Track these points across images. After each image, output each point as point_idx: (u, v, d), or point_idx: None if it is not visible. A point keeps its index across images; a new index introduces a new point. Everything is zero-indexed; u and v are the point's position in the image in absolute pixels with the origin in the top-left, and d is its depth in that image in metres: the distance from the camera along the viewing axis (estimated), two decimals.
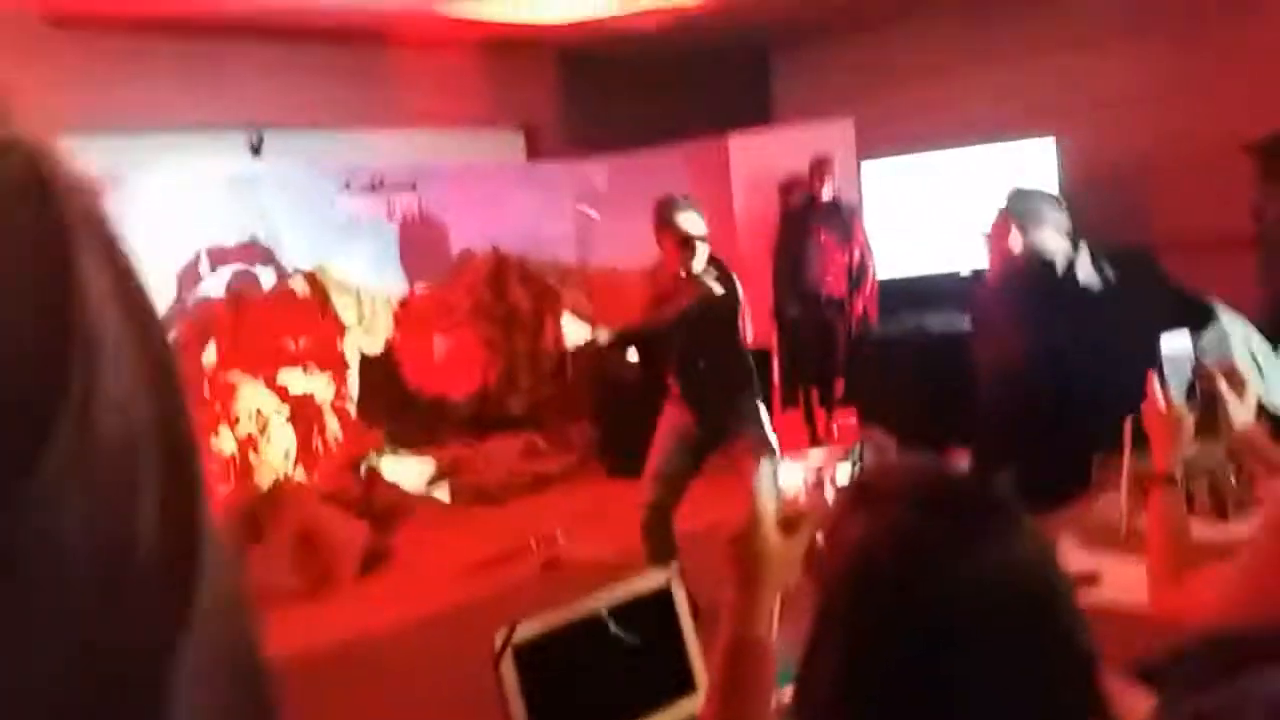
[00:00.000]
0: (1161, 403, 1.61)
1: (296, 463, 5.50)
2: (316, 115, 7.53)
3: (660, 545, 3.80)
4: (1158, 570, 1.55)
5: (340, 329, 6.25)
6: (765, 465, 1.09)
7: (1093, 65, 6.85)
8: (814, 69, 8.65)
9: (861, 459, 1.25)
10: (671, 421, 3.91)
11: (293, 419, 5.62)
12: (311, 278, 6.43)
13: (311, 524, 4.81)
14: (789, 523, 1.18)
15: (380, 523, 5.15)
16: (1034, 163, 6.44)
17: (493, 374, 6.63)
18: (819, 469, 1.23)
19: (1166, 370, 1.69)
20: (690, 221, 3.76)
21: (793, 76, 8.99)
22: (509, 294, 6.92)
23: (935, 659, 0.83)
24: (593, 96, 8.32)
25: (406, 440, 6.09)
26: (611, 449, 5.99)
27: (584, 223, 7.75)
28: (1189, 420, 1.61)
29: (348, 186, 7.17)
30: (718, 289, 3.79)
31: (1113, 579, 2.04)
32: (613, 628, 1.54)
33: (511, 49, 8.07)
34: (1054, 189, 6.33)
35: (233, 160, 7.02)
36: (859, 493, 0.98)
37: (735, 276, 3.92)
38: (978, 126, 6.79)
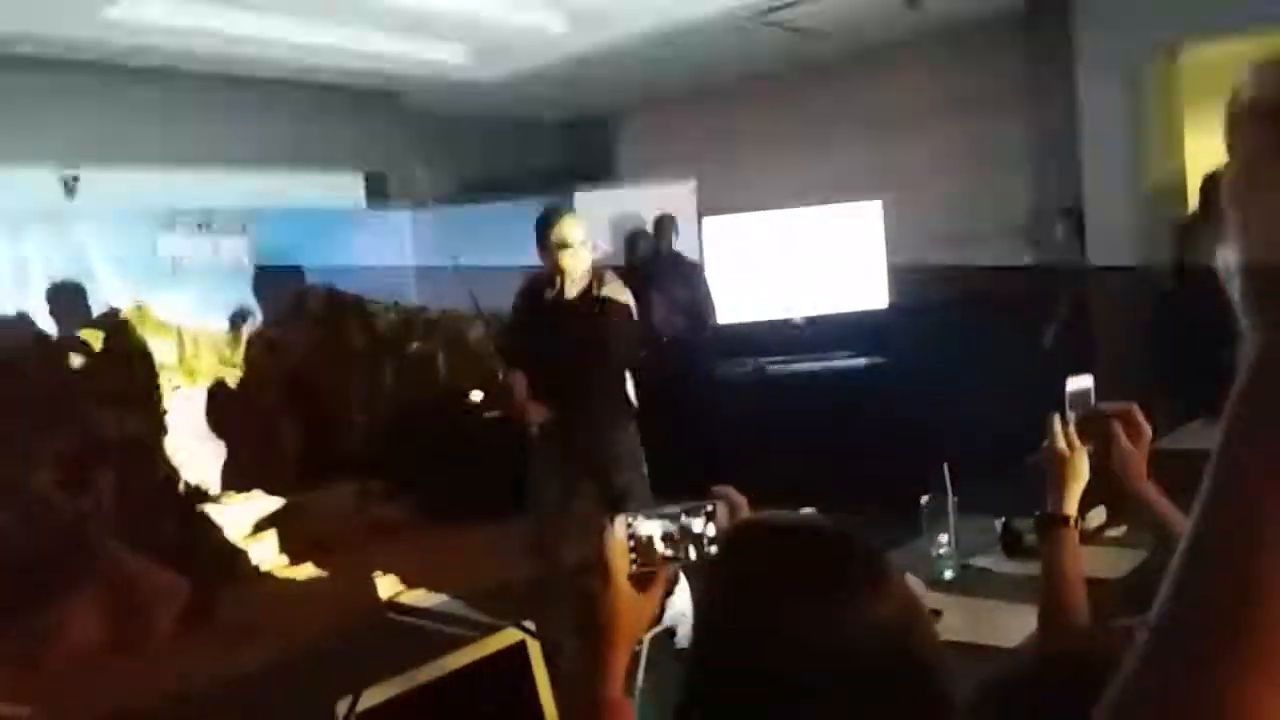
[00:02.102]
0: (1063, 443, 1.60)
1: (110, 510, 5.11)
2: (138, 152, 7.19)
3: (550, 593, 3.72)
4: (1054, 611, 1.53)
5: (156, 369, 5.93)
6: (619, 517, 1.08)
7: (911, 137, 7.32)
8: (657, 132, 8.88)
9: (713, 513, 1.25)
10: (538, 460, 3.85)
11: (106, 462, 5.24)
12: (126, 318, 6.10)
13: (123, 574, 4.47)
14: (642, 578, 1.17)
15: (203, 574, 4.83)
16: (863, 224, 6.80)
17: (326, 416, 6.40)
18: (674, 520, 1.23)
19: (1067, 408, 1.65)
20: (569, 226, 3.79)
21: (636, 138, 9.20)
22: (344, 334, 6.73)
23: (800, 711, 0.84)
24: (437, 145, 8.28)
25: (232, 484, 5.78)
26: (451, 495, 5.86)
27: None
28: (1084, 460, 1.61)
29: (171, 227, 6.86)
30: (597, 286, 3.79)
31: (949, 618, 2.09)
32: None
33: (354, 91, 7.96)
34: (881, 249, 6.75)
35: (45, 199, 6.62)
36: (725, 548, 1.01)
37: (626, 292, 3.87)
38: (811, 189, 7.13)
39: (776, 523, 0.98)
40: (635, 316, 3.90)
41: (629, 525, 1.18)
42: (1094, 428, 1.61)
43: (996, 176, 6.86)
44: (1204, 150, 6.66)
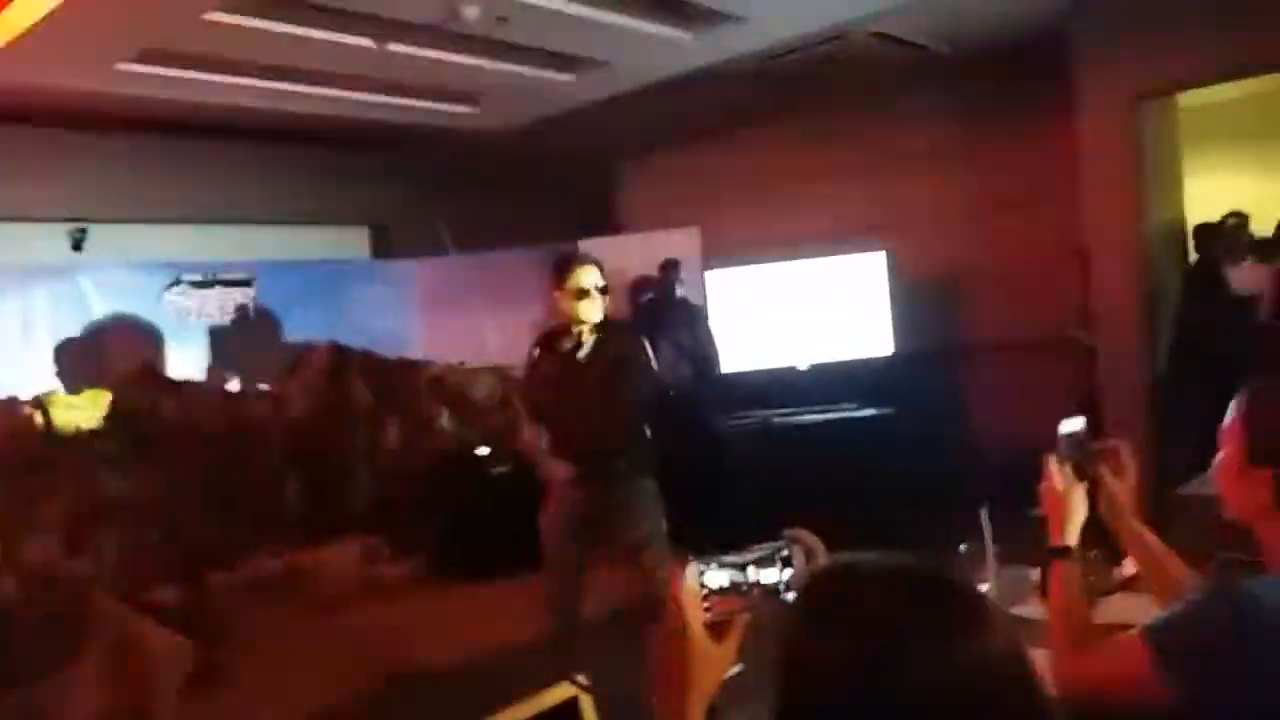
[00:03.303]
0: (1059, 481, 1.69)
1: (114, 574, 5.04)
2: (145, 209, 7.23)
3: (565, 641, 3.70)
4: (1059, 643, 1.58)
5: (162, 427, 5.87)
6: (691, 565, 1.05)
7: (914, 183, 7.36)
8: (658, 180, 8.94)
9: (789, 559, 1.22)
10: (555, 509, 3.78)
11: (108, 526, 5.18)
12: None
13: (127, 639, 4.38)
14: (716, 626, 1.14)
15: (207, 637, 4.74)
16: (867, 274, 6.81)
17: (330, 473, 6.34)
18: (743, 568, 1.20)
19: (1062, 449, 1.72)
20: (588, 274, 3.70)
21: (639, 186, 9.26)
22: (349, 390, 6.69)
23: None
24: (441, 196, 8.31)
25: (236, 543, 5.70)
26: (459, 552, 5.79)
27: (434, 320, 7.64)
28: (1081, 497, 1.69)
29: (177, 282, 6.88)
30: (615, 343, 3.73)
31: None
32: None
33: (358, 144, 8.01)
34: (885, 299, 6.75)
35: (53, 254, 6.66)
36: (819, 592, 0.96)
37: (644, 342, 3.82)
38: (813, 236, 7.15)
39: (875, 564, 0.93)
40: (655, 366, 3.85)
41: (700, 574, 1.14)
42: (1086, 467, 1.71)
43: (998, 219, 6.88)
44: (1202, 193, 6.72)
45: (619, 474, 3.71)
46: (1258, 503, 1.42)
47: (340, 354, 6.77)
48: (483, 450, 6.17)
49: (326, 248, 8.22)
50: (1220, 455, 1.49)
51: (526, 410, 4.03)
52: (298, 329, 7.10)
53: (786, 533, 1.22)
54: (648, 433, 3.82)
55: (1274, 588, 1.32)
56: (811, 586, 0.99)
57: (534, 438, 3.74)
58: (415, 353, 7.37)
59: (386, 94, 6.72)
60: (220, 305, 7.07)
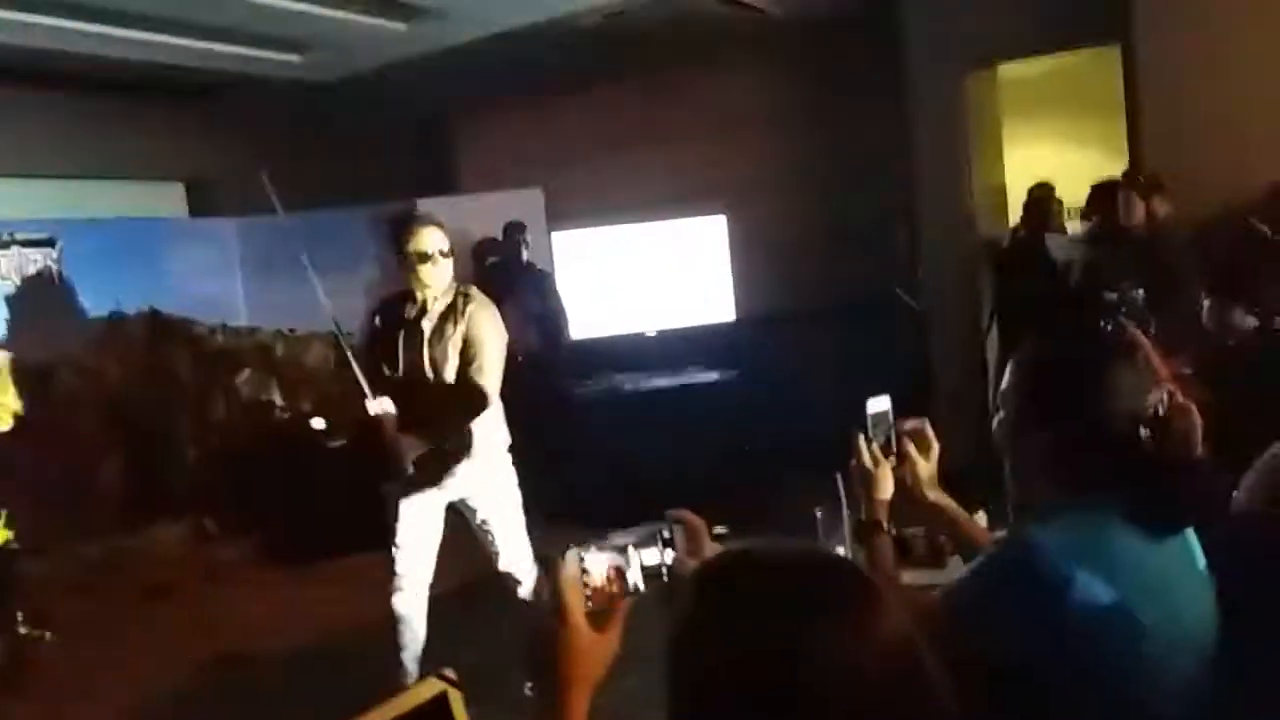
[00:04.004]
0: (867, 458, 1.76)
1: None
2: None
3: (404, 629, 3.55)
4: None
5: None
6: (571, 551, 1.01)
7: (753, 147, 7.47)
8: (498, 139, 8.73)
9: (670, 540, 1.20)
10: (405, 492, 3.59)
11: None
12: None
13: None
14: (598, 614, 1.11)
15: (15, 630, 4.38)
16: (707, 238, 6.87)
17: (152, 451, 5.94)
18: (623, 550, 1.17)
19: (870, 428, 1.77)
20: (429, 237, 3.47)
21: (478, 145, 9.01)
22: (169, 360, 6.27)
23: None
24: (264, 151, 7.85)
25: (47, 529, 5.27)
26: (295, 531, 5.55)
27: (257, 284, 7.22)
28: (888, 474, 1.76)
29: None
30: (462, 302, 3.53)
31: None
32: None
33: (173, 94, 7.46)
34: (726, 263, 6.84)
35: None
36: (714, 579, 0.95)
37: (493, 309, 3.62)
38: (656, 199, 7.17)
39: (766, 553, 0.94)
40: (504, 335, 3.67)
41: (580, 561, 1.10)
42: (891, 444, 1.79)
43: (833, 184, 7.07)
44: (1021, 162, 7.11)
45: (471, 449, 3.57)
46: (1034, 460, 1.49)
47: (158, 321, 6.32)
48: (317, 423, 5.91)
49: (139, 206, 7.64)
50: (998, 416, 1.58)
51: (368, 382, 3.80)
52: (108, 294, 6.54)
53: (670, 513, 1.21)
54: (499, 404, 3.70)
55: (1048, 533, 1.39)
56: (706, 573, 0.98)
57: (385, 415, 3.54)
58: (239, 319, 6.96)
59: (204, 39, 6.26)
60: (18, 267, 6.45)
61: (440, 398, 3.52)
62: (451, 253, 3.55)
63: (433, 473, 3.55)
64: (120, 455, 5.74)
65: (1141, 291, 4.56)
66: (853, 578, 0.91)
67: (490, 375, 3.58)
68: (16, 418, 5.47)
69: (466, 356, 3.52)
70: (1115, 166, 6.03)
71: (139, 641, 4.66)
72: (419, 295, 3.53)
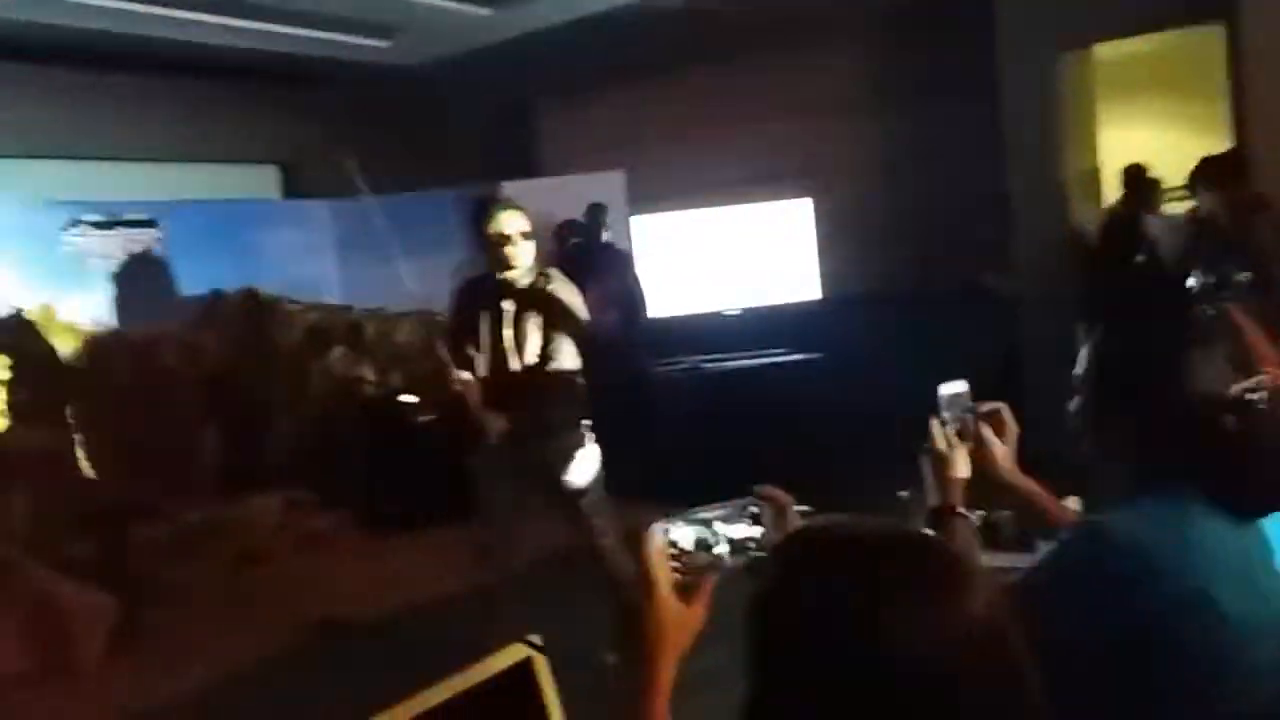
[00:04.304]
0: (941, 443, 1.74)
1: (27, 529, 4.82)
2: (41, 145, 6.83)
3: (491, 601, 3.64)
4: None
5: (67, 375, 5.62)
6: (657, 524, 1.03)
7: (840, 129, 7.39)
8: (581, 122, 8.78)
9: (757, 516, 1.21)
10: (488, 466, 3.67)
11: (18, 477, 4.94)
12: (31, 321, 5.79)
13: (45, 598, 4.23)
14: (685, 587, 1.12)
15: (128, 593, 4.60)
16: (793, 220, 6.84)
17: (248, 424, 6.15)
18: (709, 524, 1.19)
19: (944, 412, 1.77)
20: (510, 219, 3.54)
21: (561, 128, 9.08)
22: (266, 337, 6.48)
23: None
24: (354, 134, 8.04)
25: (152, 498, 5.51)
26: (386, 503, 5.71)
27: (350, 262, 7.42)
28: (964, 457, 1.74)
29: (76, 223, 6.51)
30: (543, 283, 3.60)
31: None
32: None
33: (268, 80, 7.68)
34: (812, 245, 6.80)
35: None
36: (799, 556, 0.95)
37: (574, 290, 3.67)
38: (740, 182, 7.14)
39: (850, 527, 0.94)
40: (585, 316, 3.73)
41: (666, 531, 1.12)
42: (968, 428, 1.78)
43: (923, 168, 6.96)
44: (1116, 145, 6.90)
45: (553, 424, 3.64)
46: (1113, 445, 1.50)
47: (255, 300, 6.54)
48: (408, 398, 6.06)
49: (235, 187, 7.89)
50: (1075, 401, 1.56)
51: (454, 362, 3.89)
52: (208, 273, 6.79)
53: (757, 489, 1.21)
54: (580, 381, 3.74)
55: (1126, 520, 1.40)
56: (789, 546, 0.99)
57: (469, 390, 3.62)
58: (333, 298, 7.16)
59: (297, 25, 6.43)
60: (123, 247, 6.73)
61: (522, 376, 3.59)
62: (532, 235, 3.60)
63: (516, 448, 3.63)
64: (219, 427, 5.97)
65: (1247, 275, 4.42)
66: (938, 554, 0.91)
67: (570, 354, 3.65)
68: (122, 390, 5.75)
69: (547, 336, 3.59)
70: (1216, 150, 5.84)
71: (235, 607, 4.85)
72: (500, 276, 3.59)
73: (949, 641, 0.82)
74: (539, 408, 3.60)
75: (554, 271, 3.77)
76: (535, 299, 3.60)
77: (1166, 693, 1.33)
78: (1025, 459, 1.83)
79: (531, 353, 3.60)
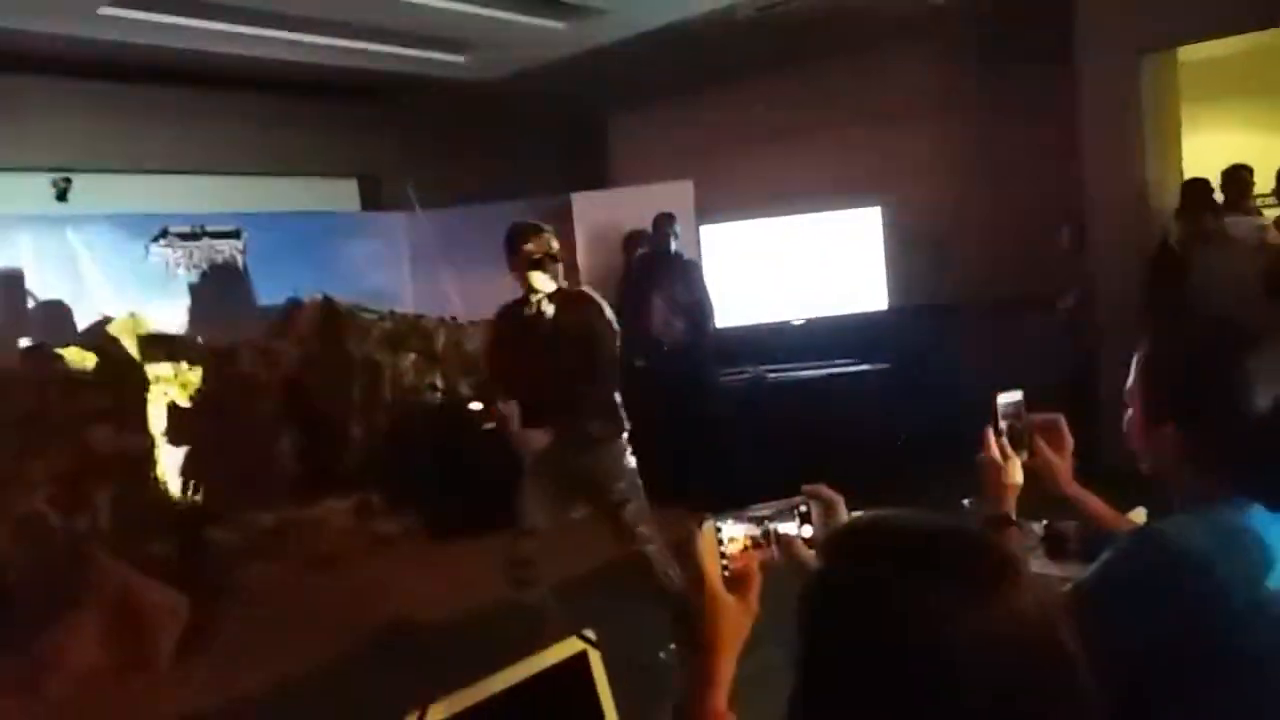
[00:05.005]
0: (996, 453, 1.74)
1: (108, 528, 5.00)
2: (131, 159, 7.11)
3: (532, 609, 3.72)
4: None
5: (150, 382, 5.81)
6: (708, 521, 1.04)
7: (911, 137, 7.30)
8: (651, 133, 8.83)
9: (806, 514, 1.21)
10: (531, 477, 3.80)
11: (102, 480, 5.13)
12: (120, 329, 6.01)
13: (124, 595, 4.38)
14: (735, 582, 1.13)
15: (203, 593, 4.73)
16: (863, 229, 6.76)
17: (323, 429, 6.29)
18: (760, 522, 1.19)
19: (1000, 421, 1.76)
20: (538, 242, 3.70)
21: (631, 139, 9.14)
22: (341, 345, 6.63)
23: (945, 715, 0.80)
24: (430, 148, 8.20)
25: (229, 500, 5.67)
26: (453, 507, 5.78)
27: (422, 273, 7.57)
28: (1017, 467, 1.74)
29: (164, 234, 6.76)
30: (568, 312, 3.75)
31: None
32: None
33: (347, 95, 7.88)
34: (880, 254, 6.71)
35: (37, 205, 6.55)
36: (847, 547, 0.93)
37: (604, 306, 3.82)
38: (809, 191, 7.09)
39: (905, 519, 0.92)
40: (616, 329, 3.85)
41: (717, 530, 1.13)
42: (1022, 438, 1.77)
43: (994, 174, 6.84)
44: (1201, 150, 6.68)
45: (591, 437, 3.75)
46: (1166, 457, 1.44)
47: (331, 308, 6.69)
48: (476, 405, 6.13)
49: (315, 200, 8.11)
50: (1127, 414, 1.52)
51: (493, 378, 4.02)
52: (286, 282, 7.00)
53: (805, 488, 1.21)
54: (617, 396, 3.85)
55: (1183, 526, 1.36)
56: (840, 536, 0.97)
57: (507, 409, 3.74)
58: (406, 307, 7.30)
59: (375, 41, 6.59)
60: (208, 257, 6.97)
61: (559, 392, 3.70)
62: (560, 257, 3.78)
63: (557, 461, 3.73)
64: (294, 432, 6.12)
65: None
66: (989, 549, 0.88)
67: (604, 368, 3.75)
68: (201, 394, 5.93)
69: (581, 351, 3.70)
70: None
71: (306, 608, 4.95)
72: (532, 297, 3.74)
73: (998, 637, 0.81)
74: (575, 421, 3.73)
75: (585, 289, 3.97)
76: (564, 319, 3.75)
77: (1227, 701, 1.29)
78: (1101, 473, 1.81)
79: (564, 371, 3.70)
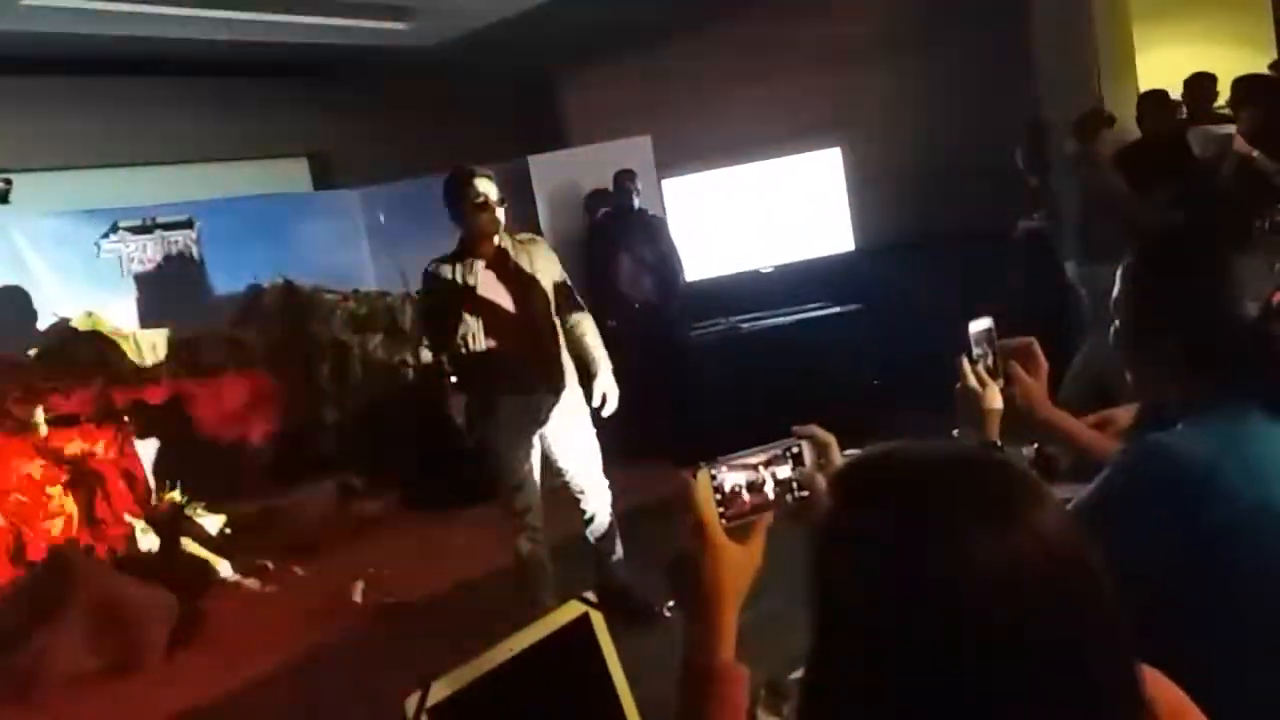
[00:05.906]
0: (973, 381, 1.72)
1: (81, 530, 4.92)
2: (71, 155, 6.92)
3: (535, 569, 3.72)
4: None
5: (115, 380, 5.69)
6: (702, 470, 1.01)
7: (865, 76, 7.24)
8: (604, 90, 8.71)
9: (800, 456, 1.18)
10: (501, 429, 3.73)
11: (71, 483, 5.03)
12: (77, 328, 5.88)
13: (110, 596, 4.31)
14: (736, 530, 1.10)
15: (187, 588, 4.67)
16: (824, 171, 6.72)
17: (295, 413, 6.20)
18: (755, 468, 1.16)
19: (973, 349, 1.75)
20: (483, 185, 3.59)
21: (584, 98, 9.02)
22: (305, 327, 6.52)
23: (974, 644, 0.77)
24: (380, 120, 8.05)
25: (205, 495, 5.59)
26: (433, 483, 5.74)
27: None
28: (995, 394, 1.72)
29: (115, 230, 6.58)
30: (533, 251, 3.71)
31: None
32: None
33: (289, 72, 7.70)
34: (843, 195, 6.68)
35: None
36: (862, 481, 0.89)
37: (551, 255, 3.79)
38: (767, 137, 7.02)
39: (915, 449, 0.88)
40: (564, 276, 3.82)
41: (713, 477, 1.10)
42: (997, 364, 1.76)
43: (953, 108, 6.79)
44: (1155, 67, 6.69)
45: (544, 384, 3.72)
46: (1159, 365, 1.44)
47: (292, 291, 6.58)
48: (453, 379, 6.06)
49: (266, 182, 7.95)
50: (1114, 325, 1.51)
51: (432, 343, 3.93)
52: (244, 269, 6.85)
53: (796, 429, 1.18)
54: (569, 339, 3.81)
55: (1182, 436, 1.35)
56: (851, 473, 0.92)
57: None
58: (368, 285, 7.19)
59: (313, 13, 6.42)
60: (162, 250, 6.80)
61: (514, 338, 3.64)
62: (503, 201, 3.66)
63: (523, 407, 3.70)
64: (266, 420, 6.03)
65: None
66: (1008, 470, 0.86)
67: (550, 308, 3.73)
68: (176, 390, 5.82)
69: (529, 294, 3.66)
70: (1260, 65, 5.62)
71: (295, 595, 4.91)
72: (479, 244, 3.63)
73: (1028, 559, 0.78)
74: (532, 367, 3.69)
75: (526, 234, 3.88)
76: (513, 262, 3.67)
77: (1229, 609, 1.29)
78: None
79: (515, 320, 3.65)
